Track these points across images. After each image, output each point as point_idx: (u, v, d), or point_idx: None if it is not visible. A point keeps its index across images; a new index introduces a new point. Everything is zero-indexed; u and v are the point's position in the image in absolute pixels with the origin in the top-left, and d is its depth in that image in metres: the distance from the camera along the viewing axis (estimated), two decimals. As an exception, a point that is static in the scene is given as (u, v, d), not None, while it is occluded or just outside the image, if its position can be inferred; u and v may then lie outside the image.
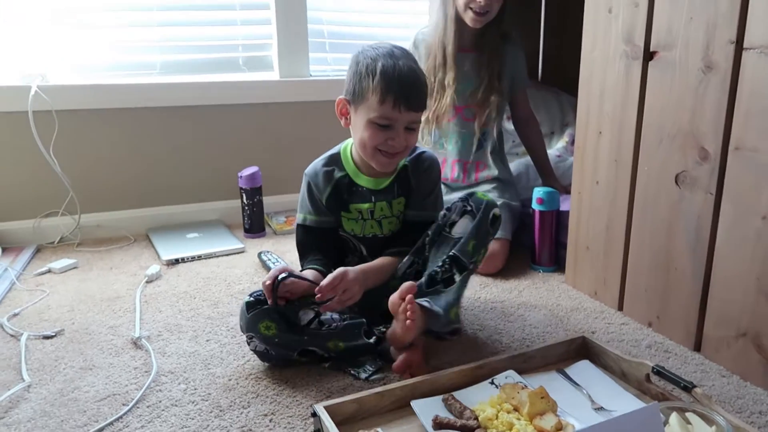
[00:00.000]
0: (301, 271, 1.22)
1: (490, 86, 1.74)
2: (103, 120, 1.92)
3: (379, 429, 0.94)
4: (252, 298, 1.14)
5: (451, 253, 1.17)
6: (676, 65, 1.20)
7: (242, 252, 1.82)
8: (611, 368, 1.12)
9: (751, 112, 1.07)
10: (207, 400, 1.07)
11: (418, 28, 1.86)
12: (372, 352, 1.18)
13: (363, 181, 1.27)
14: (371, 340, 1.16)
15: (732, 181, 1.12)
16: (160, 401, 1.07)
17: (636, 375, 1.07)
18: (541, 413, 0.95)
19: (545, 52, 2.37)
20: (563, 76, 2.25)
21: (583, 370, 1.12)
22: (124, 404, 1.06)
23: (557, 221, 1.66)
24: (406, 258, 1.26)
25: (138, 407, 1.05)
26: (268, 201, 2.06)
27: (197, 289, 1.56)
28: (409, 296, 1.06)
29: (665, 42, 1.22)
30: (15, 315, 1.40)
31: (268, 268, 1.63)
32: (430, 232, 1.24)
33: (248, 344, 1.16)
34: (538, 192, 1.66)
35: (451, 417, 0.96)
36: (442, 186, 1.51)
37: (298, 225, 1.30)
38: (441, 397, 1.02)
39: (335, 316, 1.18)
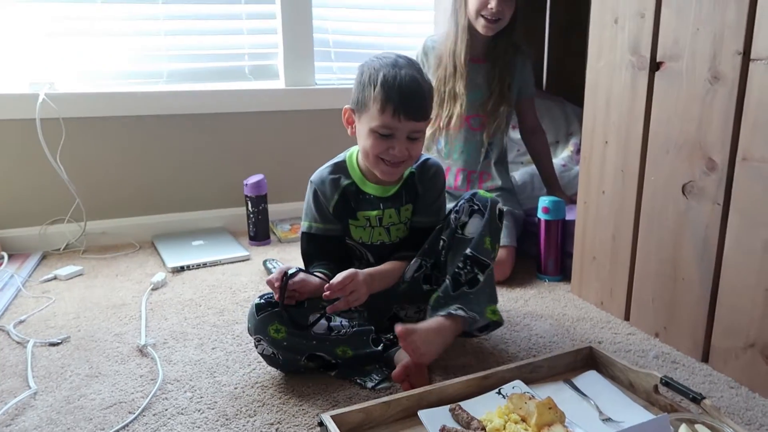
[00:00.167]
0: None
1: (501, 97, 1.74)
2: (110, 128, 1.93)
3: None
4: (262, 301, 1.13)
5: (469, 253, 1.17)
6: (682, 76, 1.20)
7: (247, 260, 1.83)
8: (619, 379, 1.12)
9: (759, 123, 1.07)
10: (213, 409, 1.07)
11: (422, 38, 1.86)
12: (380, 360, 1.18)
13: (370, 188, 1.27)
14: (379, 348, 1.16)
15: (739, 191, 1.12)
16: (166, 409, 1.06)
17: (644, 386, 1.07)
18: (549, 424, 0.95)
19: (550, 62, 2.38)
20: (568, 85, 2.26)
21: (590, 380, 1.12)
22: (130, 412, 1.06)
23: (563, 230, 1.66)
24: (413, 261, 1.26)
25: (144, 415, 1.05)
26: (273, 209, 2.06)
27: (203, 296, 1.56)
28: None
29: (672, 53, 1.22)
30: (21, 322, 1.40)
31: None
32: (445, 238, 1.24)
33: (256, 347, 1.15)
34: (544, 201, 1.66)
35: (459, 427, 0.96)
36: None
37: (302, 233, 1.30)
38: (448, 407, 1.01)
39: (344, 322, 1.18)
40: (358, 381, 1.14)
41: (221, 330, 1.36)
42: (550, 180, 1.89)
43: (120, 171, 1.96)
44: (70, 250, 1.90)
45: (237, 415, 1.05)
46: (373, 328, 1.19)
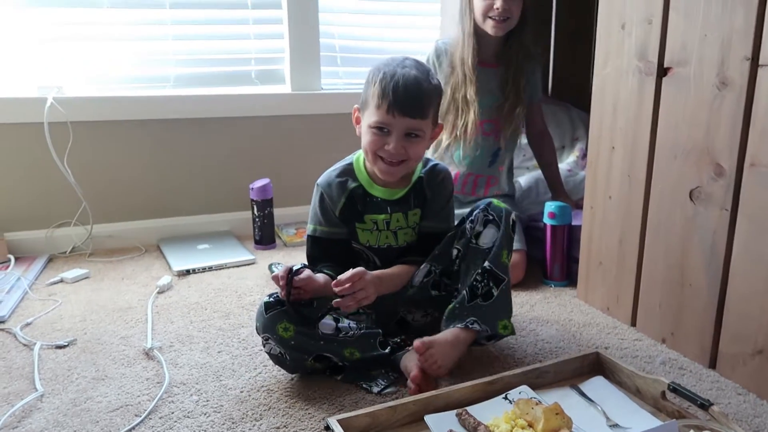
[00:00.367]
0: None
1: (517, 98, 1.74)
2: (117, 131, 1.94)
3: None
4: (271, 299, 1.13)
5: (487, 267, 1.18)
6: (690, 81, 1.20)
7: (253, 263, 1.83)
8: (626, 384, 1.11)
9: (767, 129, 1.07)
10: (219, 412, 1.07)
11: (429, 43, 1.86)
12: (386, 364, 1.18)
13: (377, 191, 1.27)
14: (386, 351, 1.17)
15: (747, 197, 1.12)
16: (173, 413, 1.06)
17: (651, 392, 1.06)
18: (556, 429, 0.94)
19: (555, 67, 2.38)
20: (573, 90, 2.26)
21: (597, 386, 1.11)
22: (136, 415, 1.06)
23: (569, 236, 1.66)
24: (422, 266, 1.26)
25: (150, 418, 1.05)
26: (279, 213, 2.06)
27: (208, 300, 1.56)
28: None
29: (679, 58, 1.22)
30: (28, 324, 1.40)
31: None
32: (460, 247, 1.24)
33: (263, 346, 1.15)
34: (550, 206, 1.65)
35: (465, 432, 0.96)
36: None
37: (308, 236, 1.31)
38: (455, 411, 1.01)
39: (352, 324, 1.18)
40: (364, 386, 1.14)
41: (227, 333, 1.37)
42: (555, 185, 1.88)
43: (126, 174, 1.97)
44: (76, 253, 1.90)
45: (243, 418, 1.05)
46: (380, 331, 1.19)
